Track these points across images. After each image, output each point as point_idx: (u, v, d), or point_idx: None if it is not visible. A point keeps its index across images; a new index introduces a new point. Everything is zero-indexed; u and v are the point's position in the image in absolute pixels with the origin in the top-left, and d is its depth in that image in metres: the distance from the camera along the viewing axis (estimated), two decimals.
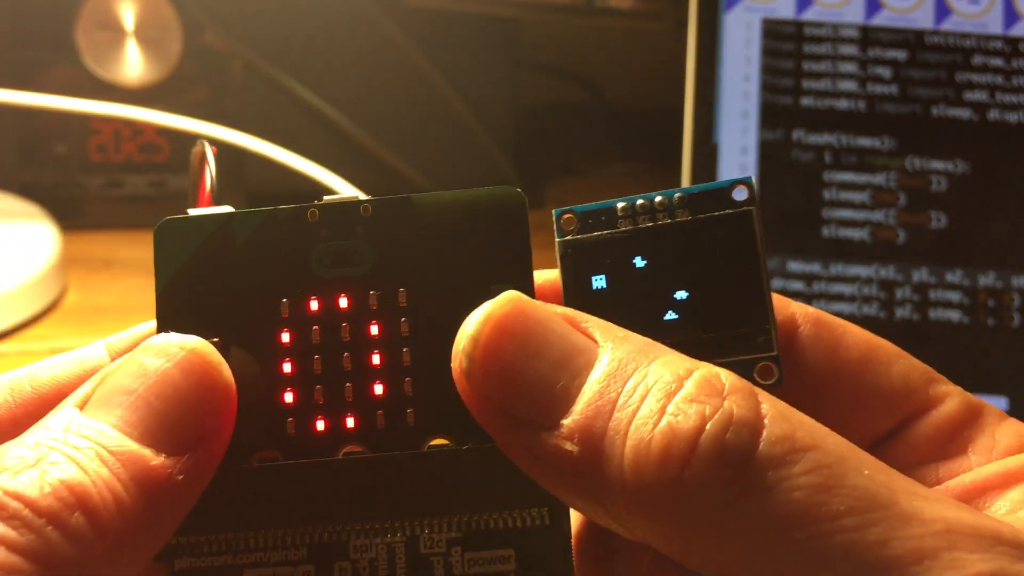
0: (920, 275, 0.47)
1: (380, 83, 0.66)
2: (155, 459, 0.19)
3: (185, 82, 0.63)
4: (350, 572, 0.21)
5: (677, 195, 0.23)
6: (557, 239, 0.23)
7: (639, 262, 0.23)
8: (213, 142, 0.29)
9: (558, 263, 0.23)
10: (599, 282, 0.23)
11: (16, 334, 0.51)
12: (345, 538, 0.21)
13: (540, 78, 0.80)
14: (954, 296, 0.46)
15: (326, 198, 0.23)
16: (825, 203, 0.47)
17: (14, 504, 0.18)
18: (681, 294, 0.22)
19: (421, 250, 0.22)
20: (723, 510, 0.18)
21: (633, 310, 0.22)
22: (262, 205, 0.23)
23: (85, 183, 0.63)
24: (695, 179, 0.48)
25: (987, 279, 0.46)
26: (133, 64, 0.62)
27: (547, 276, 0.23)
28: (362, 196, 0.23)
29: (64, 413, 0.20)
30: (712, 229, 0.22)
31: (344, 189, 0.51)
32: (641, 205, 0.23)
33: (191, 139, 0.55)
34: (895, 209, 0.47)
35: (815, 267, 0.47)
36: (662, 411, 0.19)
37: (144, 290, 0.58)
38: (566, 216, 0.23)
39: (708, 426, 0.18)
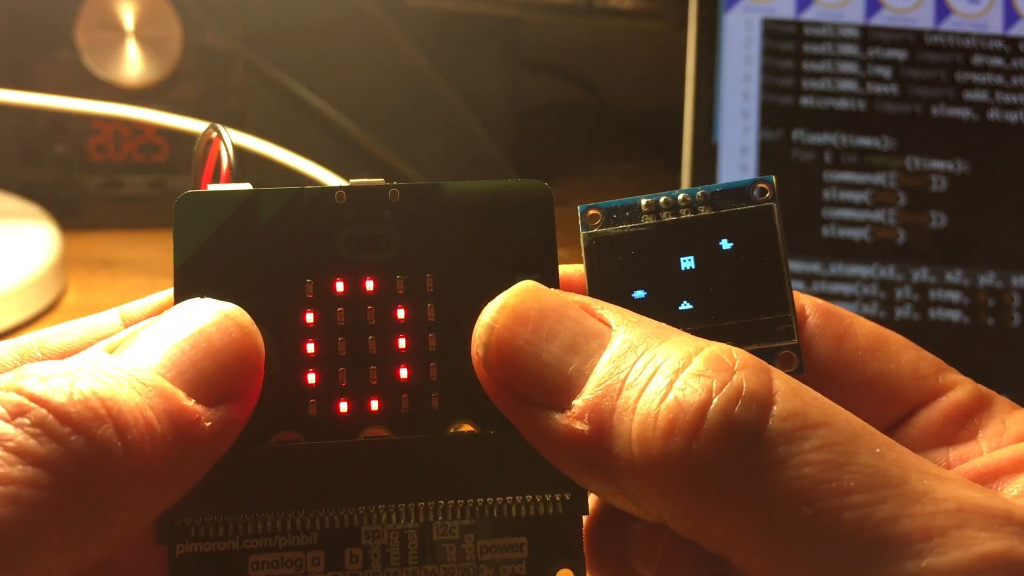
0: (920, 275, 0.47)
1: (380, 83, 0.66)
2: (187, 401, 0.19)
3: (185, 82, 0.63)
4: (361, 558, 0.21)
5: (700, 192, 0.23)
6: (582, 232, 0.23)
7: (663, 254, 0.23)
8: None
9: (583, 255, 0.23)
10: (628, 275, 0.23)
11: (15, 334, 0.51)
12: (357, 523, 0.21)
13: (540, 78, 0.80)
14: (954, 296, 0.46)
15: (352, 181, 0.22)
16: (825, 203, 0.47)
17: (37, 411, 0.17)
18: (703, 284, 0.23)
19: (448, 238, 0.22)
20: (732, 484, 0.18)
21: (656, 299, 0.23)
22: None
23: (85, 183, 0.63)
24: (695, 179, 0.48)
25: (987, 279, 0.46)
26: (133, 64, 0.62)
27: (574, 269, 0.24)
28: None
29: (91, 353, 0.19)
30: (735, 222, 0.23)
31: None
32: (664, 201, 0.23)
33: (191, 139, 0.55)
34: (895, 209, 0.47)
35: (815, 267, 0.47)
36: (670, 386, 0.19)
37: (144, 290, 0.58)
38: (591, 212, 0.23)
39: (716, 400, 0.18)
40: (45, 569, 0.17)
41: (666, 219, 0.23)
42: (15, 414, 0.17)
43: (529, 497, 0.21)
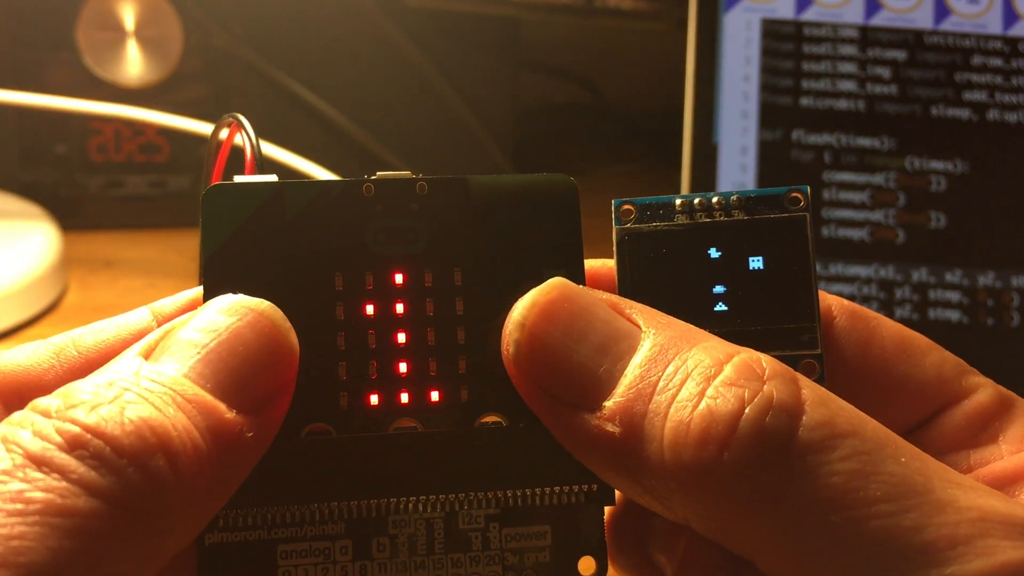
0: (920, 275, 0.47)
1: (380, 83, 0.66)
2: (228, 413, 0.19)
3: (185, 82, 0.63)
4: (388, 547, 0.21)
5: (734, 196, 0.23)
6: (615, 227, 0.23)
7: (694, 254, 0.23)
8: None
9: (614, 251, 0.23)
10: (659, 273, 0.23)
11: (16, 334, 0.51)
12: (384, 513, 0.21)
13: (540, 78, 0.80)
14: (953, 296, 0.46)
15: (380, 173, 0.22)
16: (825, 203, 0.47)
17: (95, 442, 0.17)
18: (732, 288, 0.23)
19: (474, 232, 0.22)
20: (762, 492, 0.18)
21: (684, 300, 0.23)
22: None
23: (85, 183, 0.63)
24: (695, 179, 0.48)
25: (986, 279, 0.46)
26: (133, 64, 0.62)
27: (600, 264, 0.24)
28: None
29: (130, 360, 0.19)
30: (767, 229, 0.23)
31: None
32: (699, 202, 0.23)
33: (191, 139, 0.55)
34: (895, 209, 0.47)
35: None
36: (701, 394, 0.19)
37: (144, 290, 0.58)
38: (625, 207, 0.23)
39: (747, 410, 0.19)
40: None
41: (700, 220, 0.23)
42: (74, 445, 0.17)
43: (557, 488, 0.22)
